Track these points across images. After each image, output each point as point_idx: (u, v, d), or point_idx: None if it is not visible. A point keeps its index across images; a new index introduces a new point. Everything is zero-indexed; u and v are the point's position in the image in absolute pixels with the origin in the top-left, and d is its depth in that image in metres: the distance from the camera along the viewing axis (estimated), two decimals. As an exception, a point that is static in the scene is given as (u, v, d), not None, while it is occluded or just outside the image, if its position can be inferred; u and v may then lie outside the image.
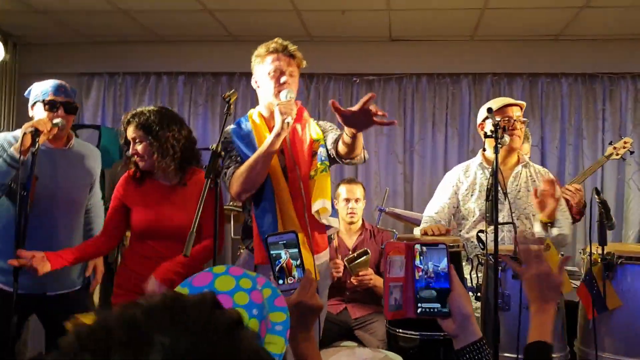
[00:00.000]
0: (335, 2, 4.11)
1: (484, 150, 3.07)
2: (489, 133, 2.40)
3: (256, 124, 2.49)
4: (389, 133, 4.97)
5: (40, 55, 5.24)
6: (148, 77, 5.22)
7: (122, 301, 2.57)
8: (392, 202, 4.87)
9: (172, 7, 4.34)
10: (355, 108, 2.01)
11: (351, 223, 3.68)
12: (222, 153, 2.26)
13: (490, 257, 2.44)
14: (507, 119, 2.89)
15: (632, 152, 3.39)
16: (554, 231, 2.75)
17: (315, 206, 2.37)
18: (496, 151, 2.33)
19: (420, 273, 1.20)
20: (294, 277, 1.43)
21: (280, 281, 1.42)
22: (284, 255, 1.44)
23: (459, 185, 3.04)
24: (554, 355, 2.43)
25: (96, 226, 2.93)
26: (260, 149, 2.34)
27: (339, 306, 3.58)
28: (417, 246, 1.19)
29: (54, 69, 5.16)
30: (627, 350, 2.32)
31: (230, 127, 2.54)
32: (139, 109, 2.55)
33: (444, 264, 1.22)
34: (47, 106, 2.64)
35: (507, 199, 2.84)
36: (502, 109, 2.94)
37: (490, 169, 2.94)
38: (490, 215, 2.37)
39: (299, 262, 1.44)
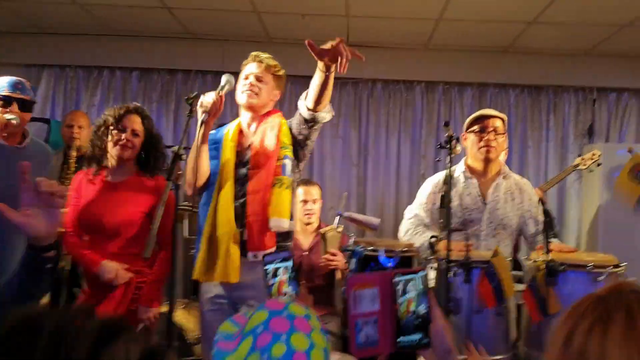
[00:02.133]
0: (296, 5, 4.15)
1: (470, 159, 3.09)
2: (442, 144, 2.50)
3: (228, 131, 2.64)
4: (344, 137, 5.06)
5: (-13, 44, 5.06)
6: (101, 71, 5.12)
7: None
8: (346, 204, 4.94)
9: (130, 3, 4.28)
10: (327, 46, 2.20)
11: (308, 224, 3.73)
12: (183, 156, 2.28)
13: (442, 261, 2.54)
14: (480, 129, 2.97)
15: (599, 164, 3.54)
16: None
17: (271, 223, 2.48)
18: (449, 161, 2.44)
19: (400, 304, 1.19)
20: (287, 293, 1.50)
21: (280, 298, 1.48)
22: (281, 274, 1.50)
23: (437, 191, 3.04)
24: (499, 357, 2.57)
25: None
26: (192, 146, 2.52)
27: (293, 307, 3.62)
28: (397, 277, 1.18)
29: (1, 58, 5.01)
30: (567, 351, 2.46)
31: (212, 131, 2.65)
32: (141, 106, 2.72)
33: (422, 292, 1.21)
34: (0, 102, 2.59)
35: (486, 209, 2.94)
36: (480, 119, 3.03)
37: (473, 179, 3.04)
38: (445, 220, 2.47)
39: (290, 276, 1.51)
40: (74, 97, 5.11)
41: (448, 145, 2.50)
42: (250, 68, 2.62)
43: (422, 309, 1.21)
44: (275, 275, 1.51)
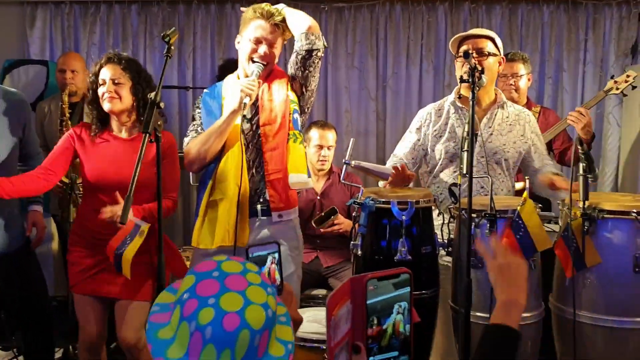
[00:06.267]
0: None
1: (460, 88, 2.80)
2: (464, 77, 2.15)
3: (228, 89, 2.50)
4: (361, 67, 4.67)
5: (-24, -18, 4.75)
6: (98, 6, 4.75)
7: (77, 258, 2.48)
8: (364, 141, 4.64)
9: None
10: None
11: (321, 170, 3.51)
12: (162, 104, 2.02)
13: (463, 211, 2.26)
14: (464, 54, 2.62)
15: (634, 87, 3.17)
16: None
17: (291, 179, 2.43)
18: (472, 97, 2.10)
19: (373, 317, 0.95)
20: (278, 281, 1.40)
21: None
22: (269, 262, 1.40)
23: (429, 125, 2.83)
24: (528, 314, 2.32)
25: None
26: (215, 125, 2.39)
27: (310, 254, 3.46)
28: (371, 282, 0.93)
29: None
30: (606, 308, 2.20)
31: (205, 91, 2.59)
32: (118, 52, 2.55)
33: (404, 300, 0.97)
34: None
35: (477, 142, 2.64)
36: (463, 42, 2.73)
37: (464, 110, 2.75)
38: (466, 166, 2.16)
39: (278, 271, 1.41)
40: (72, 36, 4.79)
41: (470, 79, 2.15)
42: (259, 29, 2.43)
43: (389, 308, 0.98)
44: (263, 264, 1.39)
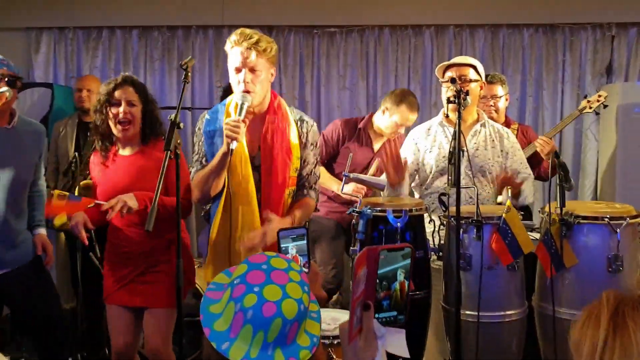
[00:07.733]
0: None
1: (446, 109, 3.06)
2: (451, 99, 2.39)
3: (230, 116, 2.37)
4: (352, 87, 4.92)
5: (-17, 9, 4.94)
6: (100, 32, 4.98)
7: (108, 270, 2.65)
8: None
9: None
10: None
11: None
12: (181, 124, 2.20)
13: (452, 218, 2.47)
14: (448, 79, 2.89)
15: (605, 106, 3.42)
16: (520, 200, 2.90)
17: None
18: (459, 117, 2.33)
19: (381, 281, 1.16)
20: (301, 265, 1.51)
21: None
22: (292, 250, 1.54)
23: (420, 143, 3.07)
24: (513, 312, 2.53)
25: (39, 206, 2.85)
26: (211, 165, 2.31)
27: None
28: (382, 252, 1.14)
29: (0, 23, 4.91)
30: (583, 304, 2.38)
31: (206, 117, 2.44)
32: (131, 75, 2.67)
33: (407, 271, 1.16)
34: None
35: (464, 157, 2.87)
36: (448, 69, 3.01)
37: (450, 128, 3.00)
38: (454, 177, 2.39)
39: (305, 256, 1.54)
40: (75, 60, 4.99)
41: (457, 100, 2.39)
42: (236, 56, 2.26)
43: (392, 273, 1.19)
44: (286, 253, 1.54)
